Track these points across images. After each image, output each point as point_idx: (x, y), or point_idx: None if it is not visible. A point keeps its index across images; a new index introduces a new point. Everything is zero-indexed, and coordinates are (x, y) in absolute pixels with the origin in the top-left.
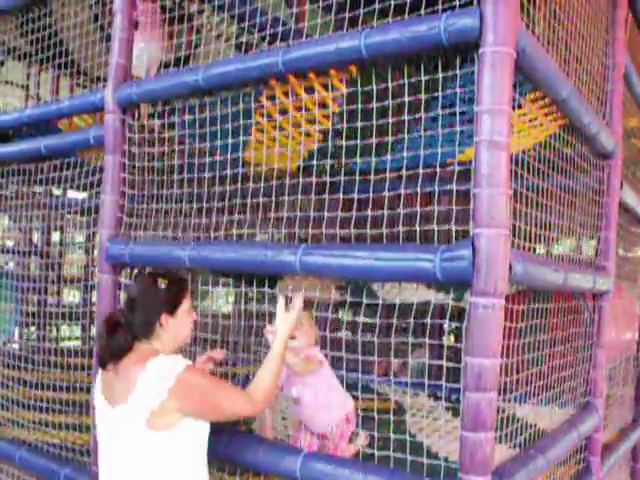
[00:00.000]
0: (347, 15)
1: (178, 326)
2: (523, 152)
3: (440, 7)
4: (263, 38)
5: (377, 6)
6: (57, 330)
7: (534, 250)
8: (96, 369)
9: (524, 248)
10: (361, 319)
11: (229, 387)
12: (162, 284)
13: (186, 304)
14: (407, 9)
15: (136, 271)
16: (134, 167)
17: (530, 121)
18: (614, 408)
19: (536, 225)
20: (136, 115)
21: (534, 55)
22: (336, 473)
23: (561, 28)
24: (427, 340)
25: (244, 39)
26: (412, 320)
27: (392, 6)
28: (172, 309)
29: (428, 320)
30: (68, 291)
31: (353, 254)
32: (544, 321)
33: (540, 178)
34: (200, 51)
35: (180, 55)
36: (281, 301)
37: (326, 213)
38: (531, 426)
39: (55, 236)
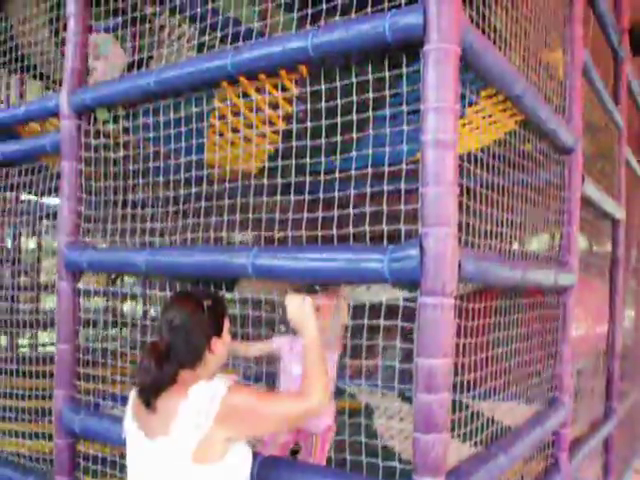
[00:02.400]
0: (309, 12)
1: (224, 346)
2: (481, 150)
3: (386, 5)
4: (222, 39)
5: (336, 2)
6: (34, 337)
7: (509, 247)
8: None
9: (486, 247)
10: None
11: (279, 395)
12: (207, 305)
13: (227, 322)
14: (369, 4)
15: (172, 293)
16: (91, 173)
17: (486, 118)
18: (585, 402)
19: (496, 223)
20: (92, 120)
21: (482, 51)
22: None
23: (517, 25)
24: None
25: (205, 40)
26: (382, 320)
27: (354, 3)
28: (219, 331)
29: (399, 321)
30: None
31: (304, 256)
32: (510, 317)
33: (499, 175)
34: (161, 53)
35: (142, 57)
36: (289, 299)
37: (290, 214)
38: (496, 423)
39: (31, 243)
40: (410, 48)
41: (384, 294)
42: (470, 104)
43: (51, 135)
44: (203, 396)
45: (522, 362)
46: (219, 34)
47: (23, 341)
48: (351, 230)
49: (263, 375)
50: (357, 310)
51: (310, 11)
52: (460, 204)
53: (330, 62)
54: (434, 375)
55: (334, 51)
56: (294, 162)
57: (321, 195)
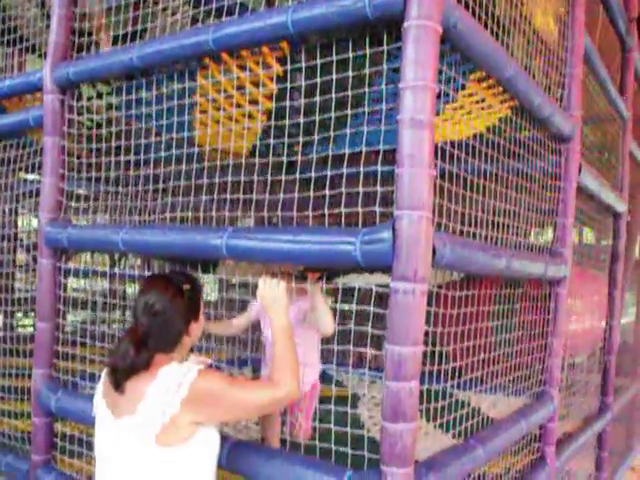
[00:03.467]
0: None
1: (199, 328)
2: (473, 136)
3: None
4: (209, 13)
5: None
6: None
7: (500, 236)
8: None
9: (474, 235)
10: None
11: (250, 382)
12: (186, 290)
13: (202, 303)
14: None
15: (148, 275)
16: (74, 149)
17: (477, 102)
18: (578, 397)
19: (484, 211)
20: (76, 95)
21: (467, 32)
22: None
23: (515, 9)
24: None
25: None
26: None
27: None
28: (197, 314)
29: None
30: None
31: (277, 237)
32: (502, 307)
33: (491, 162)
34: (152, 26)
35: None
36: (262, 280)
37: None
38: (481, 414)
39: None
40: (391, 24)
41: (374, 279)
42: (459, 88)
43: (34, 109)
44: (172, 379)
45: (512, 353)
46: (214, 6)
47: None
48: (326, 212)
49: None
50: (347, 296)
51: None
52: (449, 191)
53: (311, 38)
54: (403, 363)
55: (314, 27)
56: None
57: (298, 175)
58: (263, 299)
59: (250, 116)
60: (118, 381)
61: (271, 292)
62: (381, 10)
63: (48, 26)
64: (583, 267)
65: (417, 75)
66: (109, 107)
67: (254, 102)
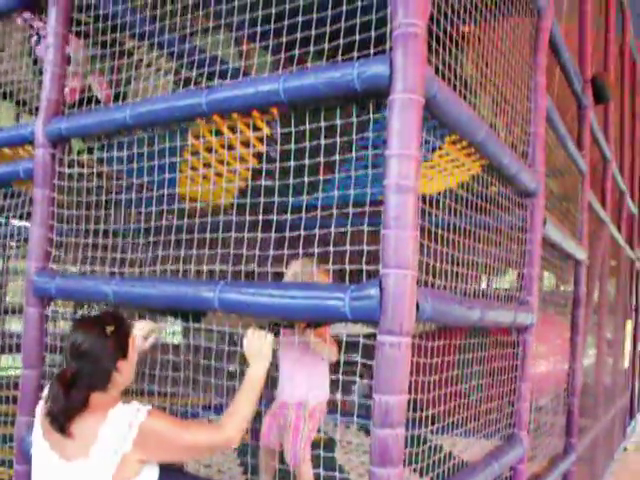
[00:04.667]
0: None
1: (131, 365)
2: (445, 191)
3: (355, 55)
4: (202, 75)
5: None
6: None
7: (472, 287)
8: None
9: (445, 287)
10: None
11: (195, 425)
12: (109, 331)
13: (132, 341)
14: (355, 49)
15: (74, 319)
16: (64, 200)
17: (451, 161)
18: (544, 438)
19: (458, 264)
20: (66, 150)
21: (445, 102)
22: None
23: (483, 75)
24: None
25: (182, 76)
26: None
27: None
28: (125, 352)
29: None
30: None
31: (268, 292)
32: (472, 355)
33: (463, 216)
34: (139, 86)
35: (119, 90)
36: (250, 332)
37: (258, 250)
38: (455, 458)
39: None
40: (377, 96)
41: (358, 330)
42: (435, 149)
43: (25, 162)
44: (122, 420)
45: (482, 399)
46: (205, 71)
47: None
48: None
49: None
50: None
51: (284, 55)
52: (421, 245)
53: (301, 105)
54: (390, 411)
55: (304, 95)
56: (262, 200)
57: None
58: (249, 348)
59: (235, 173)
60: (61, 425)
61: (258, 343)
62: (368, 83)
63: (40, 82)
64: (546, 312)
65: (402, 144)
66: (99, 161)
67: (242, 160)
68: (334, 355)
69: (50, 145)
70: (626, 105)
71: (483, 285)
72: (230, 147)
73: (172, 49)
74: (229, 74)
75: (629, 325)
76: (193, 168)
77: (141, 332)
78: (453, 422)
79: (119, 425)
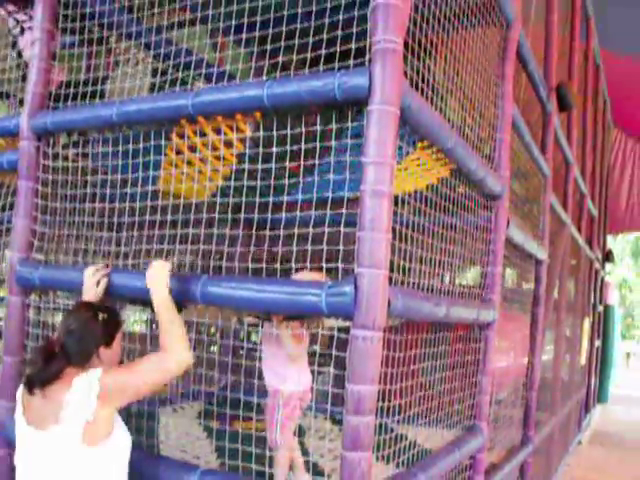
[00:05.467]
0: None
1: (112, 355)
2: (415, 192)
3: (337, 65)
4: (178, 67)
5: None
6: None
7: (439, 284)
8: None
9: (413, 284)
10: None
11: (145, 360)
12: (101, 318)
13: (119, 335)
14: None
15: (75, 302)
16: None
17: (421, 165)
18: (503, 429)
19: (426, 263)
20: (51, 143)
21: (418, 111)
22: None
23: (454, 84)
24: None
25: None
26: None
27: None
28: (109, 341)
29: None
30: None
31: (249, 286)
32: (436, 349)
33: (434, 218)
34: (116, 74)
35: (96, 76)
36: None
37: (240, 247)
38: (419, 446)
39: None
40: (356, 105)
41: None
42: (408, 153)
43: (9, 153)
44: (84, 383)
45: (446, 390)
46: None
47: None
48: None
49: None
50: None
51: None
52: (392, 245)
53: (282, 111)
54: (362, 400)
55: (287, 102)
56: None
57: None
58: (149, 277)
59: (216, 170)
60: (31, 388)
61: (154, 271)
62: (348, 93)
63: (24, 77)
64: (507, 309)
65: (379, 152)
66: (84, 155)
67: (224, 159)
68: (294, 350)
69: (35, 138)
70: (589, 109)
71: (448, 282)
72: (213, 147)
73: (154, 49)
74: (203, 75)
75: (587, 323)
76: (175, 166)
77: (92, 278)
78: (417, 413)
79: (82, 388)
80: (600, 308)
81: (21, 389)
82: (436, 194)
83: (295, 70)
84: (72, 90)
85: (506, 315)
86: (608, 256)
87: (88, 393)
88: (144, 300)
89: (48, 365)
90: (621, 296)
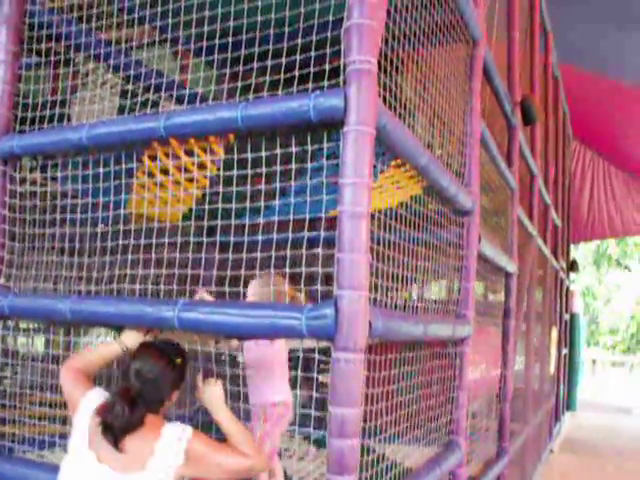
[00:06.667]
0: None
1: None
2: (390, 210)
3: (310, 86)
4: (146, 89)
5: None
6: None
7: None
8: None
9: (388, 300)
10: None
11: (230, 448)
12: (176, 363)
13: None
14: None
15: (143, 340)
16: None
17: (395, 183)
18: (479, 442)
19: (397, 279)
20: (18, 167)
21: (393, 131)
22: None
23: (423, 101)
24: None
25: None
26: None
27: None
28: (181, 384)
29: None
30: None
31: (227, 311)
32: (412, 367)
33: (407, 234)
34: (83, 96)
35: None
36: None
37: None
38: (399, 465)
39: None
40: (331, 126)
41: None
42: (382, 171)
43: None
44: (173, 436)
45: (423, 408)
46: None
47: None
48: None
49: None
50: None
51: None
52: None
53: (257, 132)
54: (346, 423)
55: (262, 124)
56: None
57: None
58: (207, 400)
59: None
60: (116, 438)
61: (210, 393)
62: (323, 114)
63: None
64: (479, 322)
65: (356, 173)
66: (52, 179)
67: (196, 181)
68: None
69: (1, 162)
70: (550, 121)
71: (423, 299)
72: (186, 169)
73: (123, 71)
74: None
75: (554, 332)
76: (147, 188)
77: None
78: (395, 432)
79: (171, 441)
80: (566, 317)
81: (87, 420)
82: (408, 211)
83: (268, 91)
84: (38, 113)
85: (478, 328)
86: (573, 266)
87: (177, 449)
88: (113, 325)
89: (132, 413)
90: (585, 304)
